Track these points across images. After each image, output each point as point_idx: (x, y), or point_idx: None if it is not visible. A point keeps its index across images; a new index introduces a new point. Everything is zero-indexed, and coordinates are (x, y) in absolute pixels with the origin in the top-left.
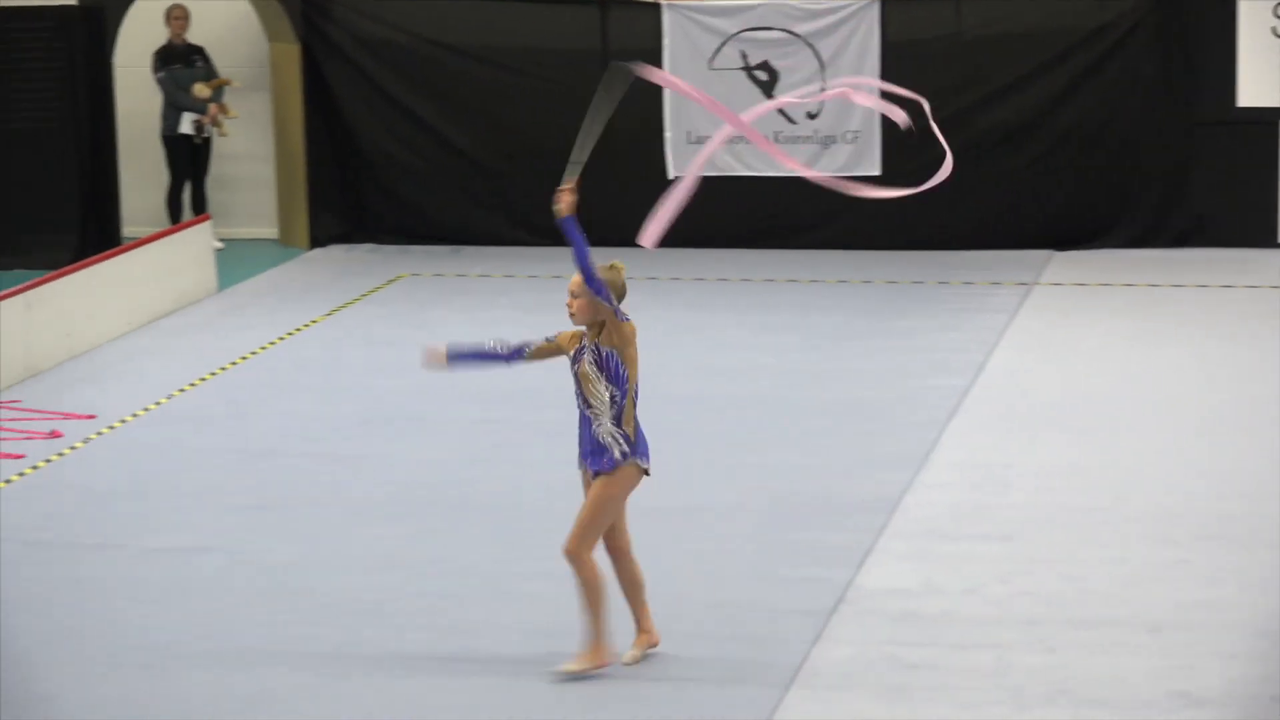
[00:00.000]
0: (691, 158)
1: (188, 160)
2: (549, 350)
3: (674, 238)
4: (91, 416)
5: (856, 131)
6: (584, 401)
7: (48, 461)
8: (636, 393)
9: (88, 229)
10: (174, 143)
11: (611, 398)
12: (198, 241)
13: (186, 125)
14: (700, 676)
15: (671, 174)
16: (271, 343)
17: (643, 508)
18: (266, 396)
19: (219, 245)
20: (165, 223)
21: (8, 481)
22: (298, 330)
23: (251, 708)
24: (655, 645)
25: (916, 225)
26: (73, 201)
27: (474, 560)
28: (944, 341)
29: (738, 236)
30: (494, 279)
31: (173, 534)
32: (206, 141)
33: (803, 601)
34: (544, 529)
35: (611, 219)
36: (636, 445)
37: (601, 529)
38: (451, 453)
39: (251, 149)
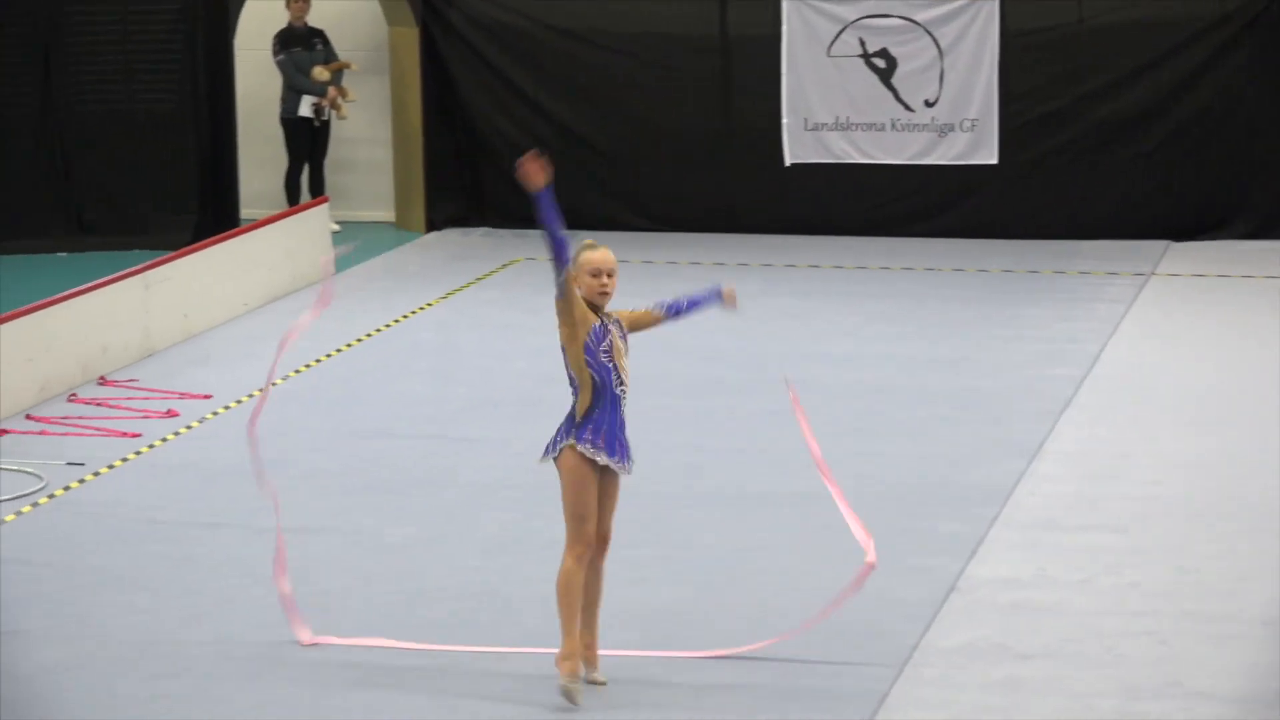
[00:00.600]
0: (809, 145)
1: (306, 143)
2: (575, 300)
3: (789, 224)
4: (207, 396)
5: (974, 120)
6: (619, 380)
7: (164, 441)
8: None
9: (206, 210)
10: (293, 125)
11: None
12: (315, 224)
13: (305, 108)
14: (810, 662)
15: (788, 161)
16: (386, 325)
17: (753, 494)
18: (380, 379)
19: (336, 228)
20: (283, 205)
21: (124, 460)
22: (412, 313)
23: (362, 687)
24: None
25: (1033, 215)
26: (192, 183)
27: None
28: (1059, 332)
29: (852, 224)
30: None
31: (285, 514)
32: (325, 124)
33: (914, 590)
34: (652, 513)
35: (729, 204)
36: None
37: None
38: None
39: (369, 132)
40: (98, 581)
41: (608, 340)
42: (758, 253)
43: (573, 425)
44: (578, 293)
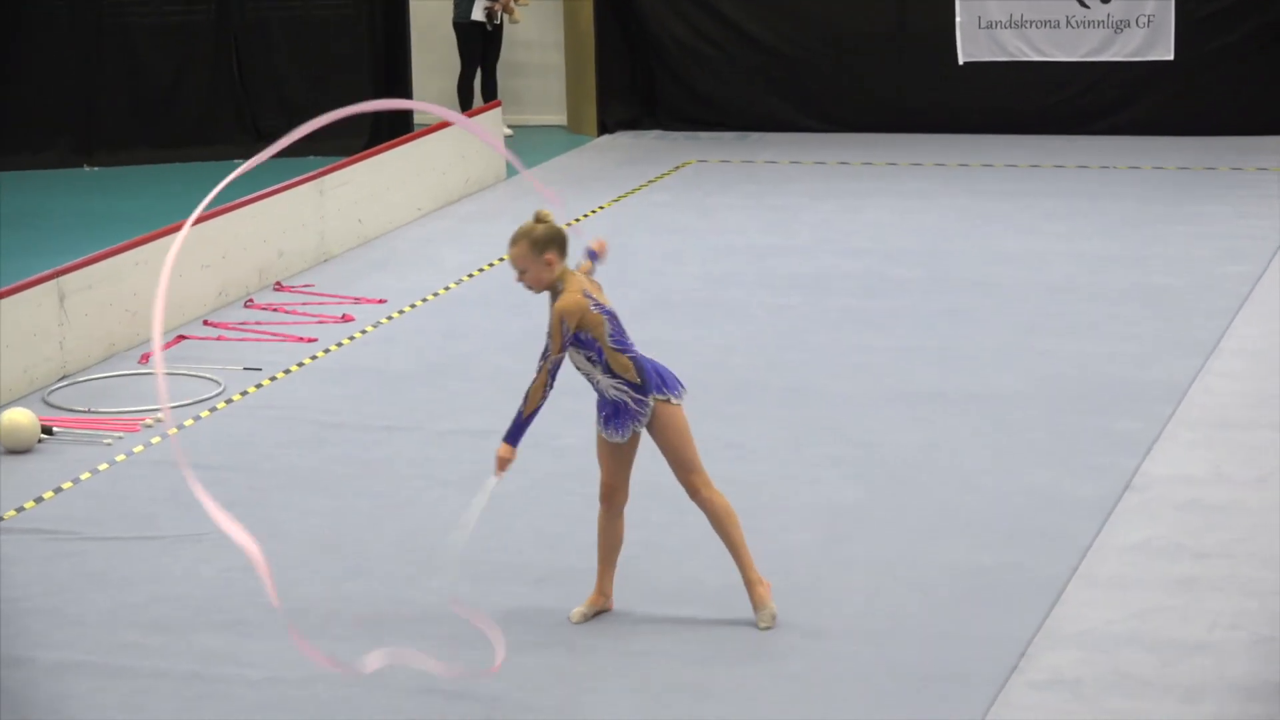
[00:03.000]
0: (983, 43)
1: (479, 47)
2: (564, 337)
3: (962, 123)
4: (382, 301)
5: (1150, 15)
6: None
7: (339, 345)
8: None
9: (380, 116)
10: (466, 29)
11: (589, 359)
12: (488, 128)
13: (478, 12)
14: (985, 563)
15: (962, 59)
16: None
17: (928, 393)
18: None
19: (508, 132)
20: (456, 109)
21: (300, 365)
22: (585, 216)
23: (553, 587)
24: (608, 610)
25: (1210, 111)
26: (366, 88)
27: (765, 445)
28: (1237, 228)
29: (1026, 122)
30: (781, 165)
31: (463, 417)
32: (498, 28)
33: (1090, 488)
34: (830, 413)
35: (901, 104)
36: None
37: (694, 458)
38: (740, 339)
39: (542, 36)
40: (277, 485)
41: (609, 314)
42: (930, 152)
43: (641, 389)
44: (563, 327)
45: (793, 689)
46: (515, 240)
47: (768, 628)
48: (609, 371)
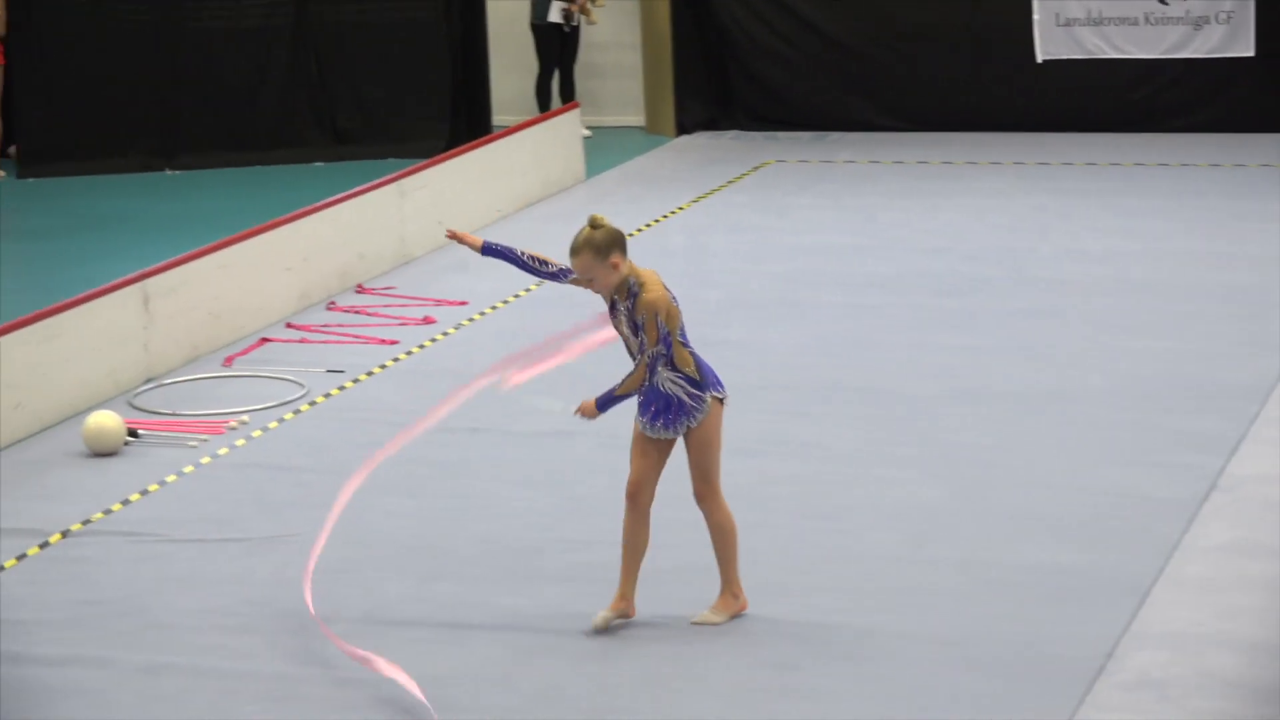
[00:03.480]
0: (1061, 40)
1: (556, 48)
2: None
3: (1040, 121)
4: (463, 303)
5: (1230, 11)
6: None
7: (420, 348)
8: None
9: (459, 117)
10: (543, 31)
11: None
12: (566, 129)
13: (555, 13)
14: (1070, 563)
15: (1040, 58)
16: (638, 229)
17: (1010, 394)
18: None
19: (587, 133)
20: (534, 111)
21: (382, 367)
22: (663, 218)
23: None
24: (629, 617)
25: None
26: (445, 90)
27: (844, 446)
28: None
29: (1105, 120)
30: (859, 165)
31: (544, 419)
32: (575, 29)
33: (1176, 488)
34: (910, 413)
35: (979, 103)
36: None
37: (718, 464)
38: (819, 338)
39: (619, 36)
40: (362, 486)
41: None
42: (1009, 150)
43: (699, 385)
44: (658, 320)
45: (879, 690)
46: (577, 251)
47: (699, 624)
48: (671, 365)
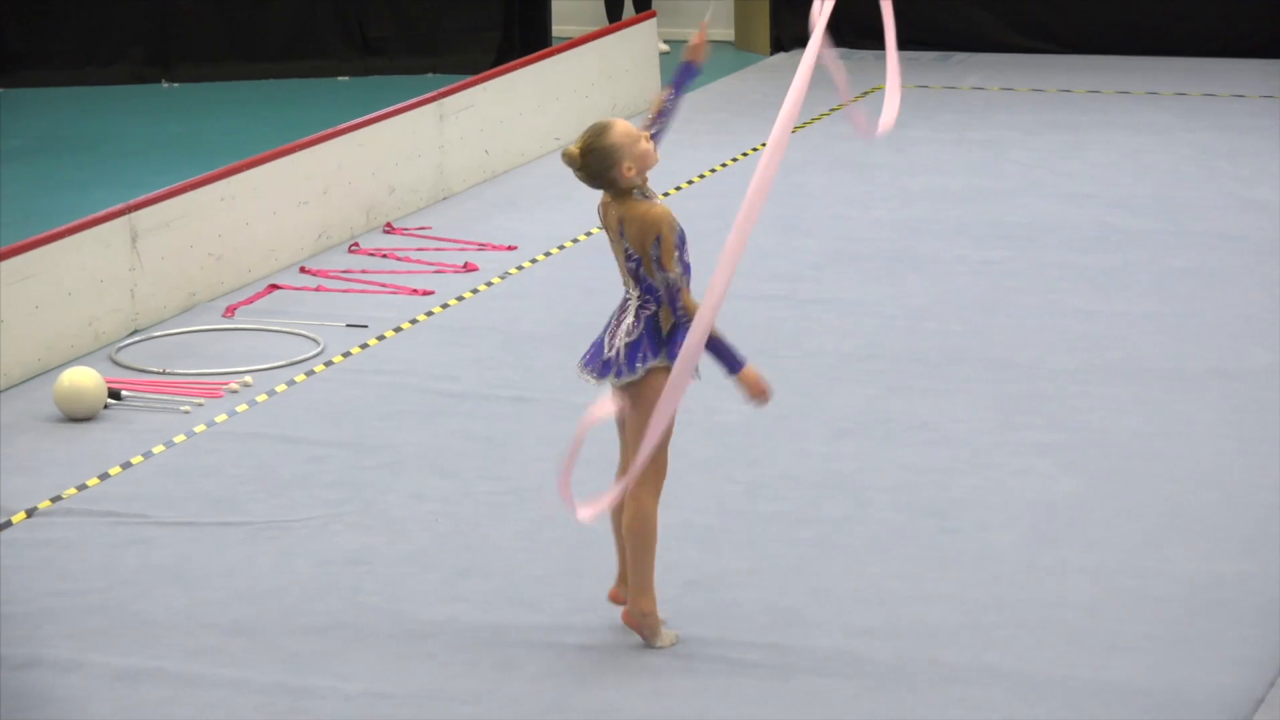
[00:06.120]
0: None
1: None
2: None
3: (1208, 45)
4: (511, 248)
5: None
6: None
7: (459, 300)
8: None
9: (513, 28)
10: None
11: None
12: (640, 43)
13: None
14: (1226, 573)
15: None
16: (723, 164)
17: (1161, 369)
18: (715, 227)
19: (664, 49)
20: (603, 21)
21: (414, 322)
22: (752, 150)
23: (702, 592)
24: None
25: None
26: None
27: (963, 428)
28: None
29: None
30: (989, 92)
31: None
32: None
33: None
34: (1046, 391)
35: (1135, 21)
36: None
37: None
38: (936, 300)
39: None
40: (384, 463)
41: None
42: (1169, 79)
43: (658, 341)
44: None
45: (998, 712)
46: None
47: (624, 624)
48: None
